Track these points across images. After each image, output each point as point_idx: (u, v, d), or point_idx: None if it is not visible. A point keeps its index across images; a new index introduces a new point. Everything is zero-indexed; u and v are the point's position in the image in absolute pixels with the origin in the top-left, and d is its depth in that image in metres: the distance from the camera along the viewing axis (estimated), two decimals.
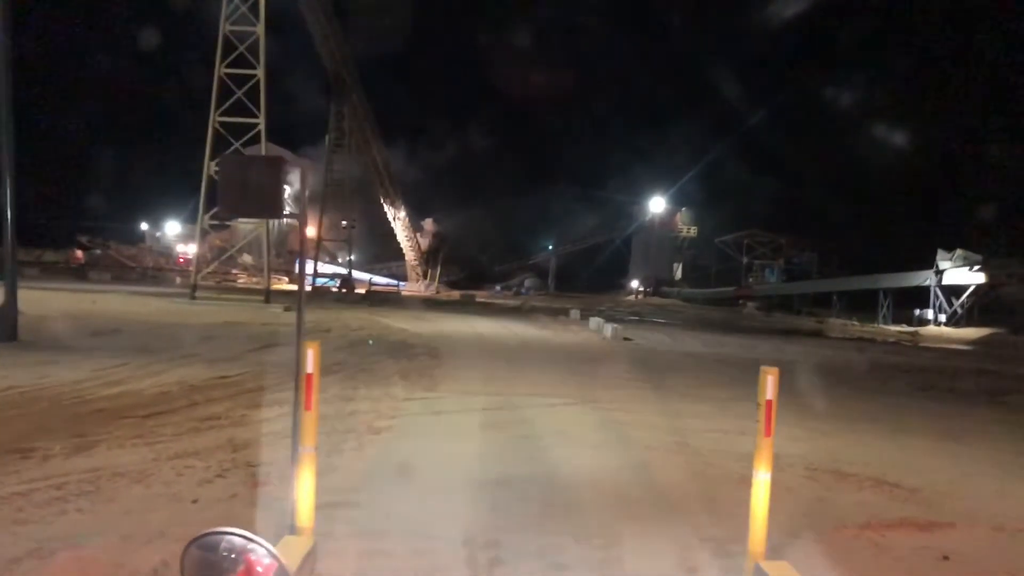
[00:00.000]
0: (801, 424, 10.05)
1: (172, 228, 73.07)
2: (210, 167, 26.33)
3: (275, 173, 3.93)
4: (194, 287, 27.05)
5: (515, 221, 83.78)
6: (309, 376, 3.98)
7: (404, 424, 8.23)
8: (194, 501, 5.24)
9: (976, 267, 42.67)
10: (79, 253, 62.07)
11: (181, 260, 60.72)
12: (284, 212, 4.02)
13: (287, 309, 25.58)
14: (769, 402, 4.00)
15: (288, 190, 4.18)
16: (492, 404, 9.80)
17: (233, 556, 1.64)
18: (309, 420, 4.00)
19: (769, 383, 3.99)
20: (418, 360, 14.29)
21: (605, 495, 5.82)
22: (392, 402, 9.61)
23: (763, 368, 4.02)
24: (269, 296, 26.75)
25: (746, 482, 6.77)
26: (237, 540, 1.65)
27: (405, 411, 9.02)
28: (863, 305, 50.80)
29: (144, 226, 75.94)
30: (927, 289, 46.03)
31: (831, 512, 5.71)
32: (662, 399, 11.30)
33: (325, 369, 12.33)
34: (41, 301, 22.21)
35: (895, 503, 6.09)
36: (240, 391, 9.87)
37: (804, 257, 70.50)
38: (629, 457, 7.20)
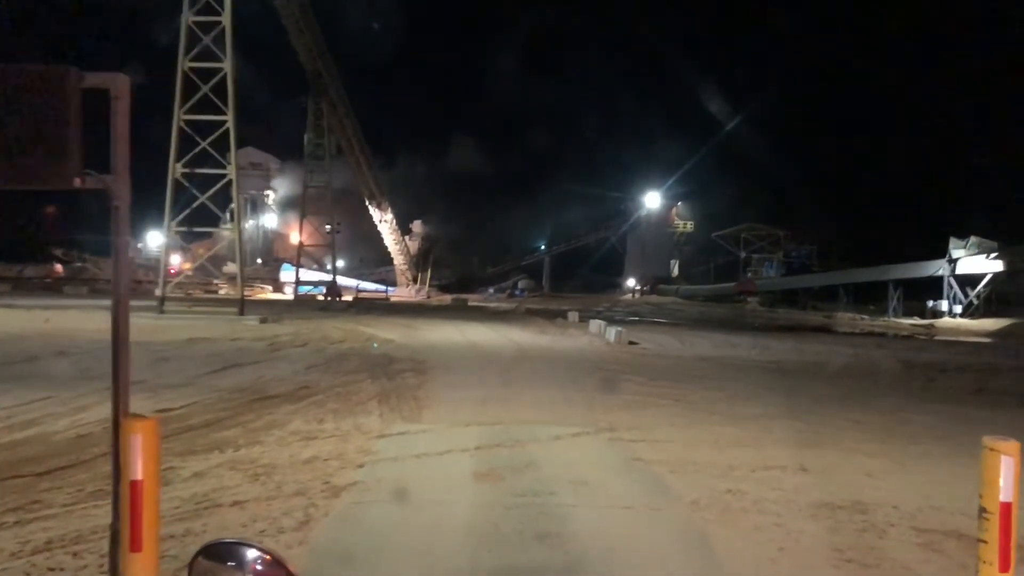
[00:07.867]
0: (862, 448, 8.44)
1: (154, 239, 70.67)
2: (176, 169, 24.35)
3: (56, 100, 2.03)
4: (162, 300, 25.10)
5: (507, 221, 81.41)
6: (136, 485, 2.08)
7: (374, 476, 6.36)
8: None
9: (993, 254, 40.70)
10: (59, 267, 59.81)
11: (171, 271, 58.41)
12: (81, 175, 2.12)
13: (263, 321, 23.71)
14: (1007, 507, 2.12)
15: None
16: (488, 439, 7.96)
17: (241, 566, 1.55)
18: (139, 570, 2.09)
19: (1006, 470, 2.10)
20: (401, 378, 12.44)
21: None
22: (364, 440, 7.76)
23: (989, 442, 2.15)
24: (243, 307, 24.78)
25: (847, 560, 4.94)
26: (245, 550, 1.57)
27: (378, 454, 7.16)
28: (870, 297, 48.94)
29: None
30: (938, 280, 44.10)
31: None
32: (689, 421, 9.60)
33: (289, 395, 10.53)
34: None
35: None
36: (179, 429, 8.14)
37: (803, 250, 68.55)
38: (677, 522, 5.34)
